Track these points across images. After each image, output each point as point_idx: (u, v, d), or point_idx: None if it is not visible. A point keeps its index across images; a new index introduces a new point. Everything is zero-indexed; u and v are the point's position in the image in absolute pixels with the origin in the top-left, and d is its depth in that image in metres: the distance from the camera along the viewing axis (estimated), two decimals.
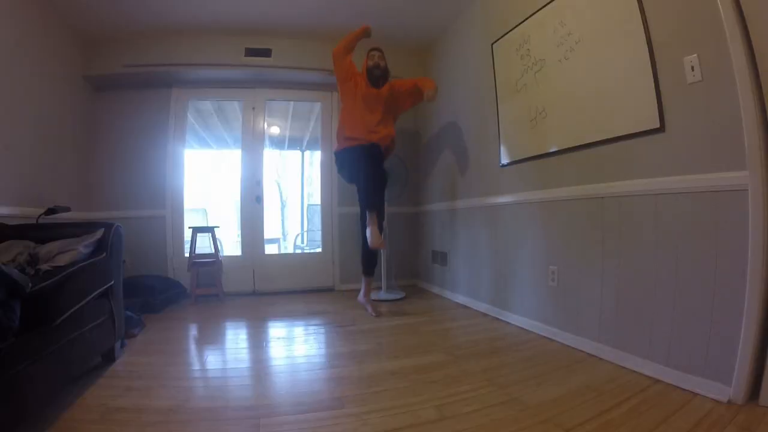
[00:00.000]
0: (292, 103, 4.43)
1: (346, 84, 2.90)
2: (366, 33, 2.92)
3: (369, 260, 2.93)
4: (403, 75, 3.83)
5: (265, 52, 3.56)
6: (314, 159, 5.66)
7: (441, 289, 3.56)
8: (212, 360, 2.02)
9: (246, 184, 3.81)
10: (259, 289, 3.76)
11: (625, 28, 1.75)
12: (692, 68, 1.48)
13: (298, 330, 2.54)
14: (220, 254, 3.54)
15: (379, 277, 3.55)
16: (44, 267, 1.55)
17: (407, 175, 3.64)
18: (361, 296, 2.96)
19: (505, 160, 2.64)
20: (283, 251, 5.78)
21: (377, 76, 2.92)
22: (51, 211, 2.39)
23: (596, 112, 1.93)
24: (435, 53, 3.75)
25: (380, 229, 2.69)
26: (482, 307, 2.86)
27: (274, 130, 5.29)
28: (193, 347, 2.26)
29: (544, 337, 2.19)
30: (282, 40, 3.59)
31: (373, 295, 3.44)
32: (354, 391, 1.55)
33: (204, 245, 3.52)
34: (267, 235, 3.99)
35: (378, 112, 2.87)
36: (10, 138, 2.33)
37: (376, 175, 2.71)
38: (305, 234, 5.80)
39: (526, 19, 2.38)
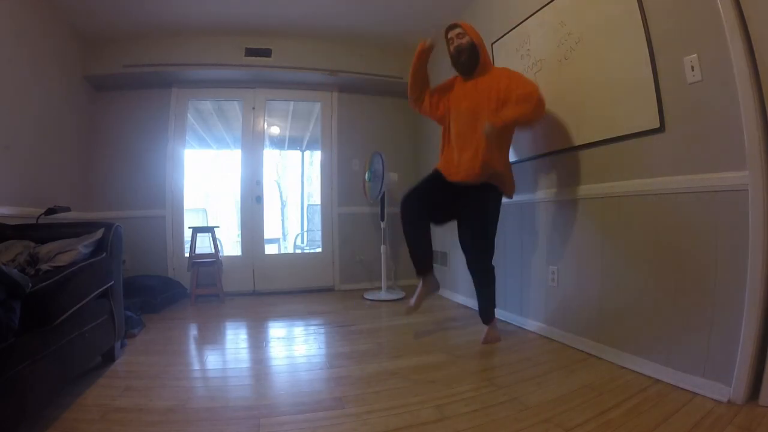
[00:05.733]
0: (292, 103, 4.42)
1: (443, 121, 2.32)
2: (425, 51, 2.27)
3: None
4: (403, 76, 3.85)
5: (265, 52, 3.56)
6: (314, 159, 5.65)
7: (441, 289, 3.55)
8: (212, 360, 2.02)
9: (246, 184, 3.81)
10: (259, 289, 3.76)
11: (625, 28, 1.75)
12: (692, 68, 1.48)
13: (298, 330, 2.54)
14: (220, 254, 3.54)
15: (378, 277, 3.55)
16: (44, 267, 1.55)
17: (384, 173, 3.42)
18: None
19: None
20: (283, 251, 5.78)
21: (463, 61, 2.22)
22: (51, 211, 2.39)
23: (596, 112, 1.93)
24: (435, 53, 3.73)
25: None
26: None
27: (274, 130, 5.29)
28: (193, 347, 2.26)
29: (544, 337, 2.19)
30: (282, 40, 3.59)
31: (373, 295, 3.45)
32: (354, 391, 1.55)
33: (204, 245, 3.52)
34: (267, 235, 3.99)
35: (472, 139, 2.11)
36: (10, 138, 2.33)
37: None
38: (305, 234, 5.80)
39: (526, 19, 2.39)
